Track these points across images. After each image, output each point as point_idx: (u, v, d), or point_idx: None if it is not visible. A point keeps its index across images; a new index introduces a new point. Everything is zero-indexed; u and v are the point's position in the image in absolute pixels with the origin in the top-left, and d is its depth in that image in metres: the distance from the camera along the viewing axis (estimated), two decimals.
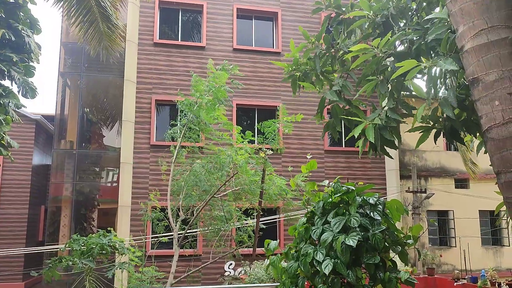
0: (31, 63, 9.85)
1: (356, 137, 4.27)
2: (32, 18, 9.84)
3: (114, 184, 16.16)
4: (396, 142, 4.45)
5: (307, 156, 10.29)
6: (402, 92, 4.55)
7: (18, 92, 9.52)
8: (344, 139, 15.90)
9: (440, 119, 4.27)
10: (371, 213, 4.18)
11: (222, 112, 10.09)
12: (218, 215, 10.26)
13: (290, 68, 5.38)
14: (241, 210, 11.06)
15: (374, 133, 4.13)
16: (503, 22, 3.14)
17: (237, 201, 10.82)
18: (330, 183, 4.52)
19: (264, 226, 12.08)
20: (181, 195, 9.80)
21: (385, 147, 4.48)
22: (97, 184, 16.63)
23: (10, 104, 9.35)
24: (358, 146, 4.68)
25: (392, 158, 5.35)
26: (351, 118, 4.65)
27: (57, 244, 14.50)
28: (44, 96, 53.41)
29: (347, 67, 5.02)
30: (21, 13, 9.61)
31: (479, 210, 17.21)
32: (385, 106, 4.42)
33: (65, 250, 8.64)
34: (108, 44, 9.54)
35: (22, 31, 9.44)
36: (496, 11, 3.16)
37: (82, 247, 7.84)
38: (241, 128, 10.44)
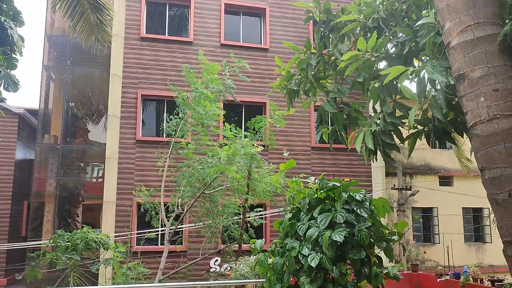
0: (13, 56, 9.64)
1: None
2: (15, 10, 9.60)
3: (99, 180, 15.98)
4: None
5: (284, 154, 10.22)
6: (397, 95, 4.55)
7: (0, 85, 9.32)
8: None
9: (429, 122, 4.28)
10: (357, 209, 4.19)
11: (218, 106, 10.01)
12: (211, 210, 10.19)
13: (284, 82, 5.28)
14: (235, 206, 10.97)
15: (373, 139, 4.13)
16: (489, 19, 3.15)
17: (233, 195, 10.76)
18: (316, 180, 4.52)
19: (264, 221, 12.03)
20: (180, 188, 9.72)
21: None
22: (82, 179, 16.43)
23: None
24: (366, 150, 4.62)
25: (394, 161, 5.35)
26: (354, 111, 4.61)
27: (40, 240, 14.31)
28: (27, 90, 52.59)
29: (341, 71, 4.97)
30: (4, 5, 9.40)
31: (463, 208, 17.44)
32: (381, 112, 4.40)
33: (49, 245, 8.50)
34: (99, 36, 9.36)
35: (5, 23, 9.22)
36: (482, 7, 3.17)
37: (66, 243, 7.75)
38: (235, 125, 10.36)
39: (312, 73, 4.99)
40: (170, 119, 10.17)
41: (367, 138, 4.10)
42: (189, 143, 10.25)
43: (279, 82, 5.33)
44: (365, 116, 4.84)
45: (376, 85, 4.42)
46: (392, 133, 4.32)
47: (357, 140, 4.15)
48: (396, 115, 4.40)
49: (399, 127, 4.44)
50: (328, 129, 5.11)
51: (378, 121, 4.30)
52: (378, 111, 4.53)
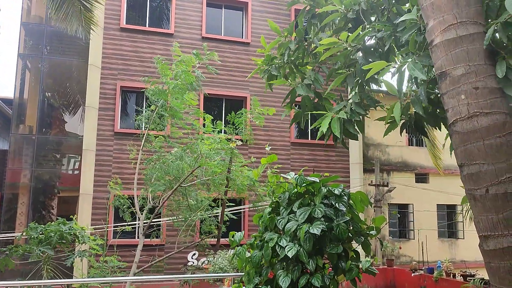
0: None
1: (319, 128, 4.32)
2: None
3: (76, 172, 15.70)
4: (359, 135, 4.54)
5: (266, 148, 10.28)
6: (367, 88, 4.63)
7: None
8: (309, 128, 16.07)
9: (407, 114, 4.35)
10: (336, 204, 4.22)
11: (191, 98, 9.89)
12: (188, 203, 10.12)
13: (264, 65, 5.34)
14: (209, 200, 10.91)
15: (339, 126, 4.18)
16: (471, 18, 3.20)
17: (205, 190, 10.70)
18: (295, 175, 4.53)
19: (235, 217, 12.06)
20: (152, 181, 9.61)
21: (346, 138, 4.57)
22: (58, 171, 16.10)
23: None
24: (323, 134, 4.71)
25: (347, 148, 5.50)
26: (320, 112, 4.67)
27: (14, 233, 13.99)
28: (2, 78, 51.18)
29: (319, 60, 5.04)
30: None
31: (437, 204, 17.81)
32: (349, 99, 4.48)
33: (21, 238, 8.29)
34: (83, 22, 9.11)
35: None
36: (465, 6, 3.23)
37: (40, 235, 7.57)
38: (211, 117, 10.29)
39: (292, 58, 5.05)
40: (140, 112, 10.06)
41: (334, 124, 4.14)
42: (158, 136, 10.13)
43: (260, 63, 5.39)
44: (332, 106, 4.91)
45: (348, 72, 4.48)
46: (356, 123, 4.40)
47: (323, 122, 4.18)
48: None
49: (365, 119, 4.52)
50: (295, 110, 5.23)
51: (345, 109, 4.36)
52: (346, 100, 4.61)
